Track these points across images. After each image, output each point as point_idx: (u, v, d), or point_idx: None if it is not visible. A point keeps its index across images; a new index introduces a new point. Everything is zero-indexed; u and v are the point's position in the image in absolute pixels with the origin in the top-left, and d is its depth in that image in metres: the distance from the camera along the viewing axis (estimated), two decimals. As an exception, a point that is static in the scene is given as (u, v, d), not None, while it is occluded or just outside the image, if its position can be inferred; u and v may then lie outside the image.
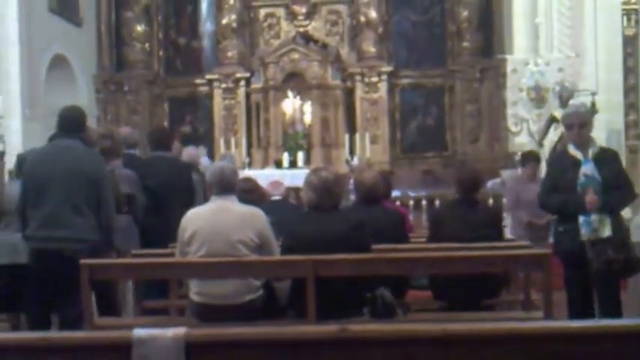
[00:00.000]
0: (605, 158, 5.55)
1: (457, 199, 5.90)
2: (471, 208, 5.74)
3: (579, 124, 5.54)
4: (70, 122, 5.41)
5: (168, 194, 6.79)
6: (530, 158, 8.65)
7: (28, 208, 5.33)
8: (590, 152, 5.54)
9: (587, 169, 5.46)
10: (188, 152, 8.66)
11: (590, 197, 5.37)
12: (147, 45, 16.55)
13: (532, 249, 5.77)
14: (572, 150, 5.58)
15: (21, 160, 6.20)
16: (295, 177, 11.78)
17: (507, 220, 8.64)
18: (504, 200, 11.96)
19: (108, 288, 5.68)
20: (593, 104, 10.08)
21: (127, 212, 6.33)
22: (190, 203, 6.26)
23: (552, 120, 10.11)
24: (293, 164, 14.89)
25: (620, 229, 5.55)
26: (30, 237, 5.31)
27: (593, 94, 10.40)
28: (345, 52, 16.26)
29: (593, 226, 5.42)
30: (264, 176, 10.53)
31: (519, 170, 9.50)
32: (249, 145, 15.88)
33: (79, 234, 5.20)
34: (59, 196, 5.22)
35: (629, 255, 5.46)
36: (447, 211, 6.21)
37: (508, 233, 7.95)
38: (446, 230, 5.69)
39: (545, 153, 10.04)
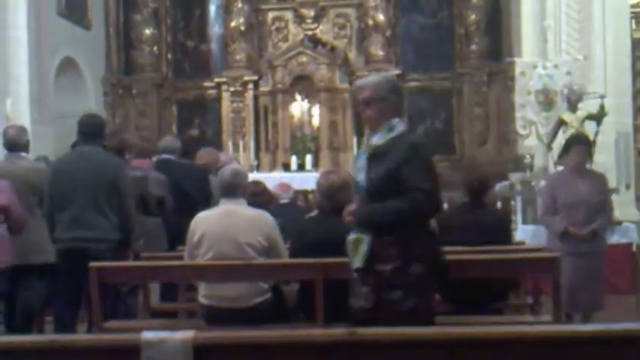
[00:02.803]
0: (392, 152, 3.92)
1: (465, 202, 5.89)
2: (479, 211, 5.73)
3: (362, 101, 4.09)
4: (91, 129, 5.80)
5: (189, 198, 6.96)
6: (576, 142, 6.70)
7: (55, 211, 5.68)
8: (375, 140, 4.02)
9: (359, 166, 4.05)
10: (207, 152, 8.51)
11: (349, 208, 4.06)
12: (155, 48, 16.56)
13: (541, 252, 5.75)
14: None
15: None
16: (303, 180, 11.79)
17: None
18: (512, 203, 11.97)
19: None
20: (602, 107, 10.05)
21: (159, 214, 6.68)
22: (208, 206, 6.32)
23: (561, 123, 10.08)
24: (301, 167, 14.89)
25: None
26: (58, 239, 5.68)
27: (602, 96, 10.37)
28: (352, 55, 16.25)
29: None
30: (272, 179, 10.54)
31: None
32: (258, 148, 15.88)
33: (103, 234, 5.58)
34: (84, 199, 5.58)
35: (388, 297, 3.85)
36: (455, 215, 6.20)
37: (545, 242, 6.79)
38: (453, 234, 5.68)
39: (553, 156, 10.01)
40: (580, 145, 6.56)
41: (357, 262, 3.90)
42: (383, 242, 3.85)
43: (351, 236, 3.95)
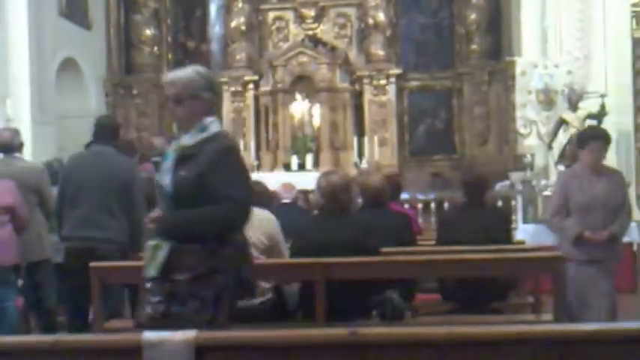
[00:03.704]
0: (203, 154, 3.58)
1: (465, 201, 5.90)
2: (478, 211, 5.74)
3: (172, 98, 3.72)
4: (105, 130, 5.85)
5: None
6: (594, 137, 5.80)
7: (65, 209, 5.71)
8: (184, 141, 3.68)
9: (165, 167, 3.71)
10: None
11: (152, 214, 3.78)
12: (155, 48, 16.57)
13: (542, 251, 5.75)
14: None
15: (49, 167, 6.89)
16: (304, 180, 11.77)
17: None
18: (513, 202, 11.98)
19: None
20: (603, 106, 10.05)
21: None
22: None
23: (561, 122, 10.09)
24: (302, 167, 14.89)
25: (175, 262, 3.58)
26: (66, 237, 5.72)
27: (603, 96, 10.38)
28: (353, 54, 16.25)
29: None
30: (273, 179, 10.53)
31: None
32: (258, 148, 15.88)
33: (111, 235, 5.59)
34: (94, 198, 5.59)
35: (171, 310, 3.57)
36: (455, 214, 6.22)
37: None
38: (454, 233, 5.69)
39: (554, 156, 10.01)
40: (597, 141, 5.71)
41: (152, 270, 3.59)
42: (183, 250, 3.55)
43: (150, 242, 3.64)
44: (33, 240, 6.19)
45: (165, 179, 3.62)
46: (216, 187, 3.51)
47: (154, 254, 3.59)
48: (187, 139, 3.63)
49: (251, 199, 3.69)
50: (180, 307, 3.51)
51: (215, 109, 3.92)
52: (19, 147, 6.67)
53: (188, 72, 3.69)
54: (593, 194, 5.67)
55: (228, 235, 3.61)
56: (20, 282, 6.46)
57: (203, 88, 3.66)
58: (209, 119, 3.67)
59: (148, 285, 3.63)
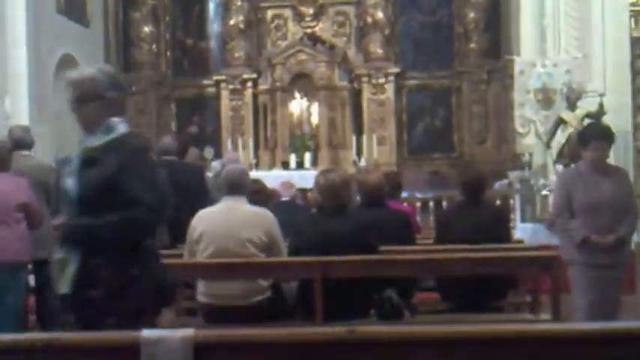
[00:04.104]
0: (110, 157, 3.40)
1: (463, 200, 5.91)
2: (477, 210, 5.73)
3: (75, 99, 3.51)
4: None
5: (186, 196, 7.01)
6: (596, 136, 5.49)
7: (64, 208, 5.61)
8: (89, 142, 3.50)
9: (69, 171, 3.50)
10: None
11: (55, 221, 3.54)
12: (154, 46, 16.56)
13: (540, 251, 5.75)
14: None
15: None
16: (302, 178, 11.78)
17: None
18: (511, 201, 11.98)
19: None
20: (601, 105, 10.05)
21: None
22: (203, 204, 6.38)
23: (560, 121, 10.09)
24: (300, 165, 14.88)
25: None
26: None
27: (601, 95, 10.38)
28: (352, 53, 16.25)
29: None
30: (271, 177, 10.54)
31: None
32: (257, 147, 15.88)
33: None
34: None
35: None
36: (454, 213, 6.22)
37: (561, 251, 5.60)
38: (453, 232, 5.69)
39: (552, 155, 10.01)
40: (601, 139, 5.42)
41: (64, 287, 3.32)
42: (93, 263, 3.30)
43: (57, 256, 3.38)
44: (43, 237, 6.24)
45: (70, 183, 3.41)
46: (125, 191, 3.30)
47: (63, 269, 3.33)
48: (92, 141, 3.44)
49: (164, 202, 3.45)
50: (99, 325, 3.20)
51: (124, 109, 3.78)
52: (31, 144, 6.80)
53: (91, 71, 3.51)
54: (600, 195, 5.30)
55: (141, 242, 3.39)
56: (32, 279, 6.57)
57: (108, 87, 3.46)
58: (115, 120, 3.47)
59: (61, 303, 3.41)
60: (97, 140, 3.42)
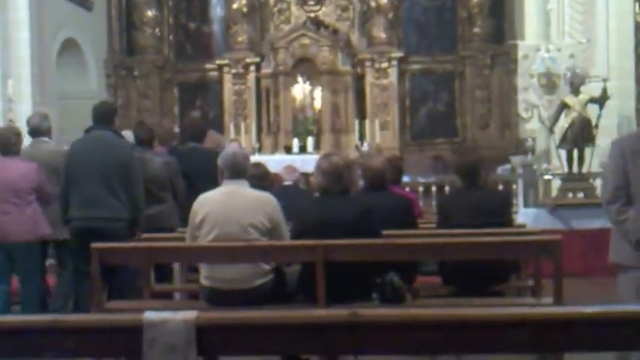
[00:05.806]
0: None
1: (462, 186, 5.90)
2: (479, 194, 5.73)
3: None
4: (103, 115, 6.23)
5: (202, 181, 7.02)
6: None
7: (71, 192, 6.02)
8: None
9: None
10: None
11: None
12: (157, 30, 16.52)
13: (542, 235, 5.75)
14: None
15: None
16: (305, 162, 11.76)
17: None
18: (514, 187, 11.98)
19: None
20: (605, 90, 10.02)
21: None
22: None
23: (563, 106, 10.06)
24: (303, 150, 14.87)
25: None
26: (72, 217, 6.04)
27: (605, 80, 10.34)
28: (355, 37, 16.21)
29: None
30: (274, 162, 10.53)
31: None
32: (259, 131, 15.88)
33: (115, 213, 5.92)
34: (96, 180, 5.94)
35: None
36: (455, 198, 6.22)
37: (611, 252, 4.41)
38: (455, 216, 5.69)
39: (555, 139, 10.00)
40: None
41: None
42: None
43: None
44: (57, 219, 6.32)
45: None
46: None
47: None
48: None
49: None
50: None
51: None
52: (47, 131, 7.03)
53: None
54: None
55: None
56: (51, 260, 6.86)
57: None
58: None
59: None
60: None
